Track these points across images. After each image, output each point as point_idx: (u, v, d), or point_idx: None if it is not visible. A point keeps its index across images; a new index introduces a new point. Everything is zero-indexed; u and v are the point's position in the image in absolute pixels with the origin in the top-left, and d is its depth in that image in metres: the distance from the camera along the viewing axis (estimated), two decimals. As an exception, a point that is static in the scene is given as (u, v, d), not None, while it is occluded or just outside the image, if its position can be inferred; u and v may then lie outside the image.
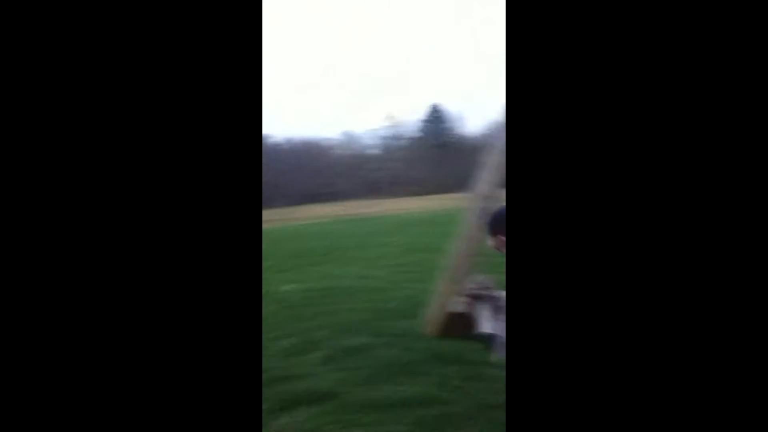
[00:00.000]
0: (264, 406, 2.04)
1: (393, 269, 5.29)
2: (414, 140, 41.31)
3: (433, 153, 37.56)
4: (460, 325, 2.76)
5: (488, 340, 2.52)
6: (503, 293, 3.10)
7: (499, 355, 2.36)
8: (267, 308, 3.76)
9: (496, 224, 1.65)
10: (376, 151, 43.38)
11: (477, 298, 3.07)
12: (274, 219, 26.05)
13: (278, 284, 4.73)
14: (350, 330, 3.02)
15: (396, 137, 43.16)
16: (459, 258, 2.78)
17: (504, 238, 2.01)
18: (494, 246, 1.85)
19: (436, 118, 41.10)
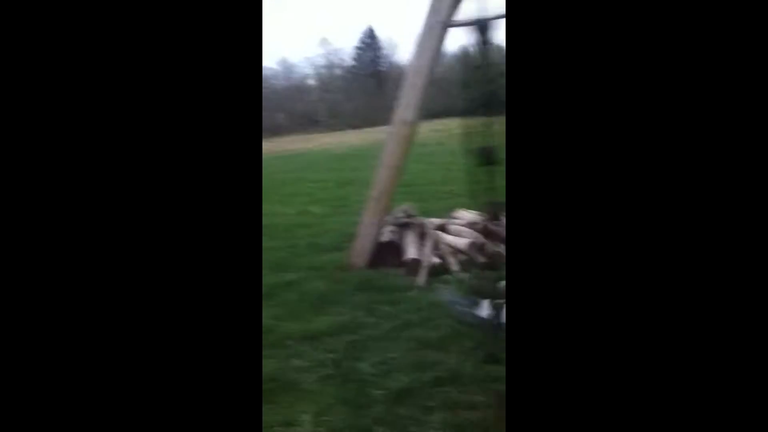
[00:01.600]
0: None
1: (329, 204, 5.34)
2: (349, 69, 39.70)
3: (369, 83, 36.44)
4: (386, 254, 2.93)
5: (413, 265, 2.71)
6: (427, 220, 3.29)
7: (420, 279, 2.50)
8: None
9: None
10: (312, 82, 41.42)
11: (402, 226, 3.24)
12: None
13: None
14: (286, 266, 3.10)
15: (331, 65, 41.22)
16: (380, 189, 2.87)
17: None
18: None
19: (370, 45, 39.38)
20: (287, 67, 42.03)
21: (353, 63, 39.83)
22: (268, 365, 1.89)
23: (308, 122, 37.89)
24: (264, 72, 41.37)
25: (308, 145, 24.57)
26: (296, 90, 40.22)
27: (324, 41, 50.93)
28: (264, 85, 41.31)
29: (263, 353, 1.98)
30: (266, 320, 2.28)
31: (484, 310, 1.95)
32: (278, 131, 37.55)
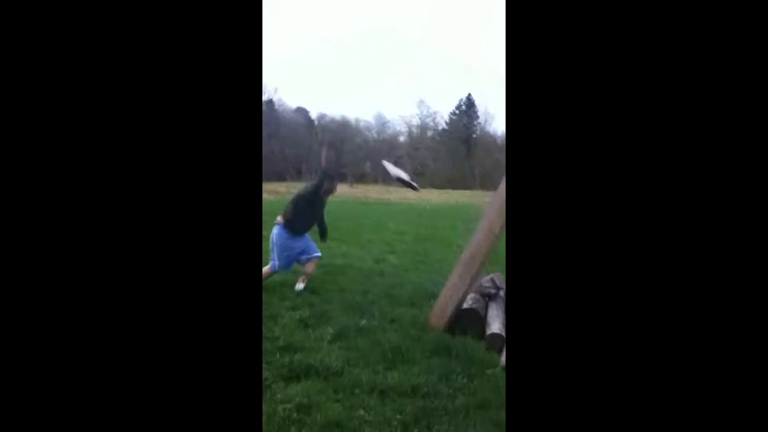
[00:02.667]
0: (273, 374, 2.12)
1: (407, 257, 5.32)
2: (441, 132, 40.99)
3: (458, 147, 37.17)
4: (467, 322, 2.79)
5: (496, 341, 2.54)
6: None
7: (503, 358, 2.37)
8: (286, 277, 3.85)
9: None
10: (403, 139, 43.32)
11: (488, 296, 3.09)
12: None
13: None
14: (360, 311, 3.08)
15: (424, 126, 42.92)
16: (473, 253, 2.79)
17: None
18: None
19: (466, 112, 40.59)
20: (382, 122, 44.61)
21: (446, 127, 41.11)
22: (334, 409, 1.84)
23: (390, 176, 39.26)
24: (359, 124, 44.37)
25: (390, 196, 25.24)
26: (387, 144, 42.29)
27: (421, 103, 53.65)
28: (358, 136, 43.97)
29: (331, 396, 1.95)
30: (337, 362, 2.25)
31: None
32: (363, 179, 39.23)
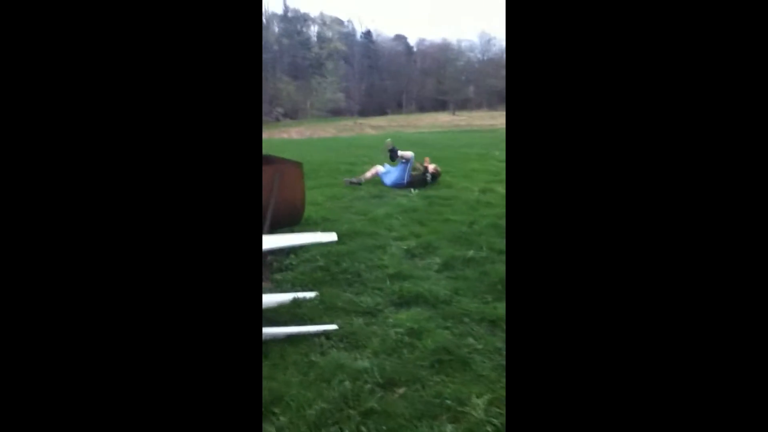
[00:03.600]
0: (384, 299, 2.23)
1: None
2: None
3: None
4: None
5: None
6: None
7: None
8: (391, 209, 3.94)
9: None
10: (510, 56, 39.64)
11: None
12: (395, 125, 26.20)
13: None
14: (467, 241, 3.04)
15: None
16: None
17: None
18: None
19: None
20: (486, 40, 41.04)
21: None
22: (443, 336, 1.88)
23: (498, 99, 36.68)
24: (461, 44, 41.46)
25: (495, 122, 23.80)
26: (493, 64, 39.07)
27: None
28: (459, 57, 41.40)
29: (440, 323, 2.00)
30: (444, 291, 2.28)
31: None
32: (466, 106, 37.40)
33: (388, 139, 5.85)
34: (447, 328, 1.96)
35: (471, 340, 1.87)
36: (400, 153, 5.11)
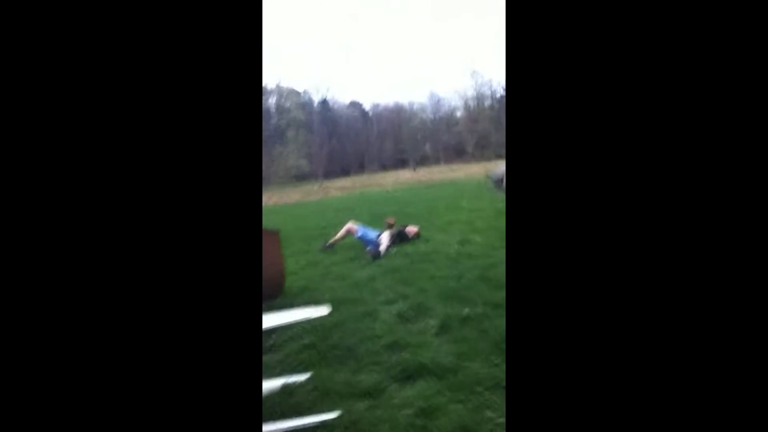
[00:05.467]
0: (384, 375, 2.01)
1: (492, 233, 5.03)
2: (500, 99, 39.21)
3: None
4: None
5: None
6: None
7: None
8: (372, 271, 3.78)
9: None
10: (461, 113, 42.18)
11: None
12: (359, 185, 26.62)
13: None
14: (459, 299, 2.90)
15: (481, 97, 41.36)
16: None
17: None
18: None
19: (526, 74, 38.44)
20: (436, 101, 43.66)
21: (504, 93, 39.27)
22: (457, 412, 1.68)
23: (454, 153, 38.40)
24: (413, 106, 43.96)
25: (454, 174, 24.67)
26: (444, 122, 41.34)
27: (475, 73, 51.58)
28: (412, 118, 43.73)
29: (448, 395, 1.80)
30: (448, 358, 2.09)
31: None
32: (425, 162, 38.82)
33: (390, 218, 5.31)
34: (460, 401, 1.76)
35: (489, 413, 1.67)
36: (407, 229, 4.95)
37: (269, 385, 1.96)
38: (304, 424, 1.66)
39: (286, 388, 1.94)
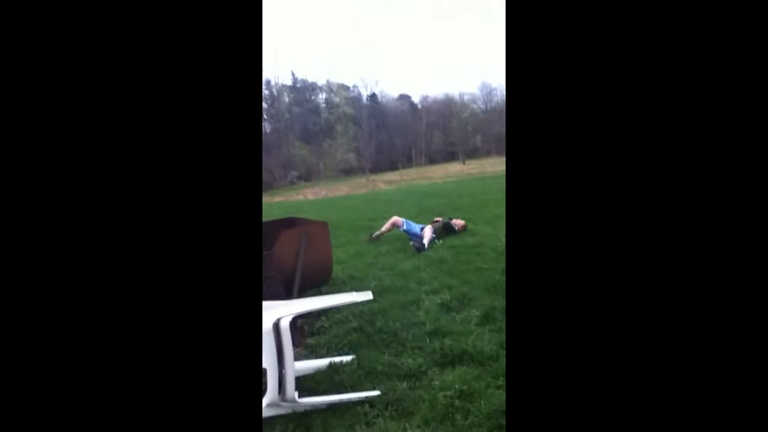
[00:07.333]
0: (427, 360, 2.09)
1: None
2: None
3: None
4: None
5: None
6: None
7: None
8: (418, 262, 3.84)
9: None
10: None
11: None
12: (407, 179, 26.63)
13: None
14: (504, 290, 2.90)
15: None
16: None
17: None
18: None
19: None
20: (487, 91, 42.56)
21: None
22: (496, 396, 1.72)
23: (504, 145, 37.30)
24: (464, 97, 43.07)
25: (499, 168, 24.02)
26: (496, 113, 40.22)
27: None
28: (463, 110, 42.86)
29: (488, 381, 1.84)
30: (490, 346, 2.13)
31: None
32: (475, 154, 38.08)
33: (437, 219, 5.19)
34: (499, 387, 1.79)
35: (529, 399, 1.70)
36: (453, 221, 5.00)
37: (317, 363, 2.10)
38: (348, 399, 1.77)
39: (332, 367, 2.06)
